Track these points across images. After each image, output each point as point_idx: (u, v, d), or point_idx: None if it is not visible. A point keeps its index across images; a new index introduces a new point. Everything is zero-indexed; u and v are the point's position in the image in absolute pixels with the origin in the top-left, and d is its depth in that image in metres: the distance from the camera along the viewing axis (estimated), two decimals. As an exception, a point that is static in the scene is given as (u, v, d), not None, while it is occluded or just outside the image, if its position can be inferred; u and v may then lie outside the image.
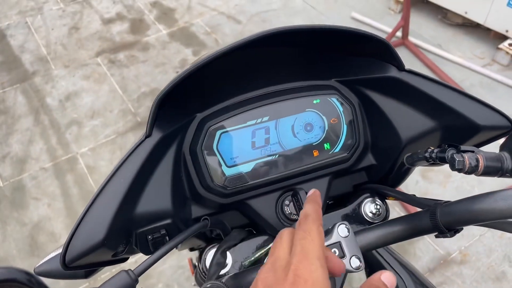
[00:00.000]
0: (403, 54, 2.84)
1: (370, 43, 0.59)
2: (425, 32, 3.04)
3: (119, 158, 0.55)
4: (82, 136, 2.49)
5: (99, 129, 2.53)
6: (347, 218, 0.68)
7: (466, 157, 0.50)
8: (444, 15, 3.11)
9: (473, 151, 0.51)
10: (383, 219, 0.69)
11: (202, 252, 0.64)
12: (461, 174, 0.51)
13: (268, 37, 0.51)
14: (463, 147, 0.52)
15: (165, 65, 2.92)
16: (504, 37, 2.77)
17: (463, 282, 1.80)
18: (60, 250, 0.51)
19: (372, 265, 0.71)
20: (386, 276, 0.45)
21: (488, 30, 2.88)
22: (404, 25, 2.76)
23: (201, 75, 0.54)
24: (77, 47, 3.13)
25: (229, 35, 3.13)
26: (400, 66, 0.61)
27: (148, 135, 0.55)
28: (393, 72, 0.62)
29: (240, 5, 3.44)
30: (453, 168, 0.51)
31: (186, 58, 2.95)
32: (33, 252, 2.00)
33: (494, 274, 1.82)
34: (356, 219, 0.68)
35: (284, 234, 0.47)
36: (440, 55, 2.82)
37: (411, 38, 2.89)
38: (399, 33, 2.85)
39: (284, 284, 0.40)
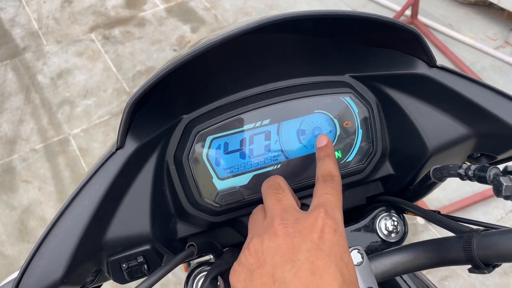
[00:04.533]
0: (412, 34, 2.70)
1: (396, 33, 0.48)
2: (435, 11, 2.90)
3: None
4: (75, 116, 2.39)
5: (92, 109, 2.42)
6: (359, 235, 0.59)
7: (517, 181, 0.40)
8: (456, -7, 2.96)
9: (524, 173, 0.41)
10: (401, 236, 0.60)
11: (189, 276, 0.55)
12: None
13: (271, 24, 0.41)
14: (510, 167, 0.42)
15: (161, 42, 2.79)
16: (518, 18, 2.63)
17: (468, 275, 1.74)
18: None
19: None
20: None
21: (501, 10, 2.76)
22: (413, 3, 2.64)
23: (187, 69, 0.43)
24: (70, 22, 2.99)
25: (230, 11, 2.99)
26: (431, 61, 0.50)
27: (119, 147, 0.44)
28: (422, 69, 0.51)
29: (241, -21, 3.28)
30: (498, 194, 0.41)
31: (184, 35, 2.82)
32: (23, 238, 1.94)
33: (501, 268, 1.76)
34: (369, 237, 0.59)
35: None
36: (451, 35, 2.71)
37: (420, 17, 2.77)
38: (408, 12, 2.72)
39: (312, 229, 0.39)
